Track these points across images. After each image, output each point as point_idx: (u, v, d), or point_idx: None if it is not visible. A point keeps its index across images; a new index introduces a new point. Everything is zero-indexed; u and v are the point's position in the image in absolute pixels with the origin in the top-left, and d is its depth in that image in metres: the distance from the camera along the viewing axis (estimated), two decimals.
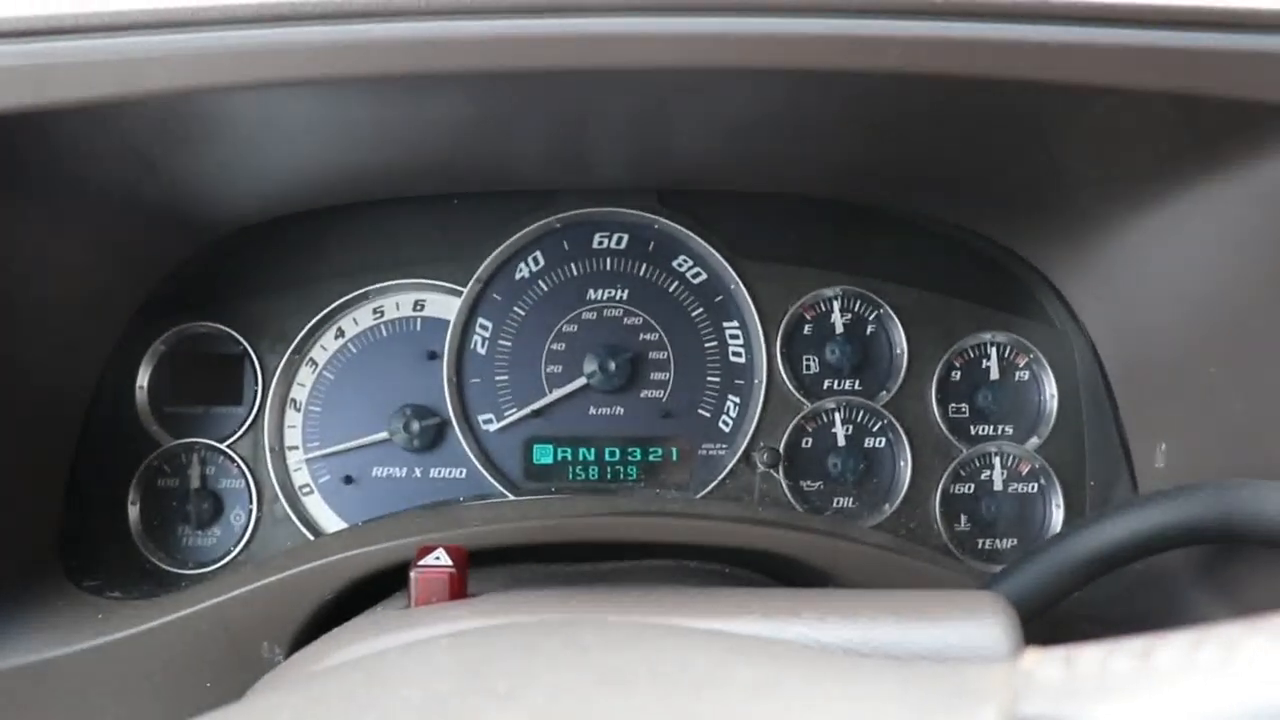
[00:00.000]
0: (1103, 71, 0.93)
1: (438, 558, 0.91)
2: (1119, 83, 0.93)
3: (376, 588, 1.08)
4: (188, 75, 0.92)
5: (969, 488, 1.48)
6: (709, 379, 1.49)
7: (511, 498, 1.45)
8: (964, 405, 1.49)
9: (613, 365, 1.45)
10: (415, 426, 1.44)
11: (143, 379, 1.45)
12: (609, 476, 1.47)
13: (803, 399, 1.47)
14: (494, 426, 1.47)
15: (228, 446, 1.45)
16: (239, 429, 1.45)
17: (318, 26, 0.92)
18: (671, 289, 1.49)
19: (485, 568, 1.09)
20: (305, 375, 1.47)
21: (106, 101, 0.92)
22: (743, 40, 0.92)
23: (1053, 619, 1.07)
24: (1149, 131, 1.05)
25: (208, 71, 0.92)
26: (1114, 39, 0.93)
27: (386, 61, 0.92)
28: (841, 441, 1.48)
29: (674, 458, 1.48)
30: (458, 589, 0.89)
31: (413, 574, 0.89)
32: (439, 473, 1.47)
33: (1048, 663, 0.41)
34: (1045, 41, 0.93)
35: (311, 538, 1.43)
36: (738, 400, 1.48)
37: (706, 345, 1.49)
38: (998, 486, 1.47)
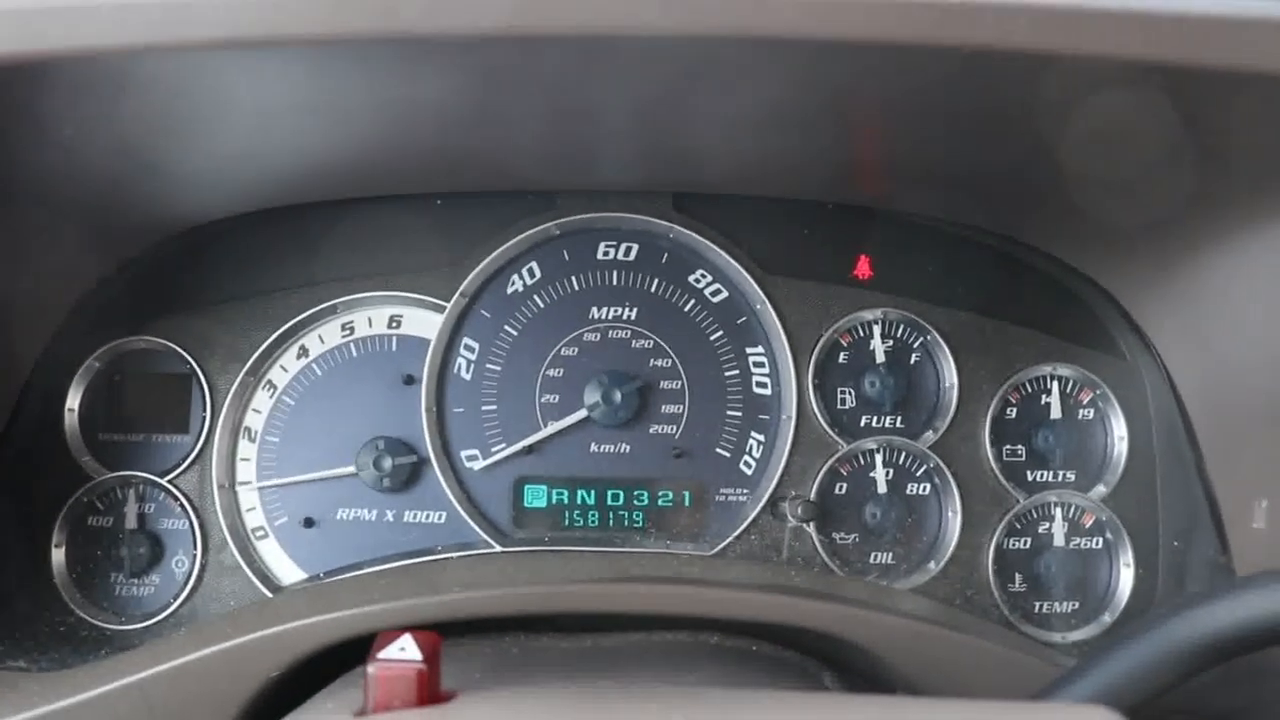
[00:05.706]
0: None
1: (403, 649, 0.78)
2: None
3: (334, 659, 1.00)
4: (138, 31, 0.83)
5: (1025, 542, 1.41)
6: (729, 413, 1.42)
7: (498, 548, 1.39)
8: (1020, 447, 1.43)
9: (618, 395, 1.40)
10: (388, 463, 1.39)
11: (72, 401, 1.39)
12: (611, 524, 1.41)
13: (837, 438, 1.41)
14: (479, 464, 1.41)
15: (170, 481, 1.40)
16: (183, 461, 1.40)
17: None
18: (687, 308, 1.44)
19: (465, 640, 1.02)
20: (262, 400, 1.42)
21: (36, 58, 0.84)
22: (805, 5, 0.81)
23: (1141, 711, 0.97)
24: (1243, 147, 0.98)
25: (161, 28, 0.83)
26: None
27: (369, 21, 0.82)
28: (881, 488, 1.42)
29: (687, 503, 1.41)
30: (426, 690, 0.77)
31: (371, 670, 0.77)
32: (414, 516, 1.41)
33: None
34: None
35: (264, 589, 1.37)
36: (762, 439, 1.42)
37: (727, 374, 1.43)
38: (1058, 541, 1.41)
